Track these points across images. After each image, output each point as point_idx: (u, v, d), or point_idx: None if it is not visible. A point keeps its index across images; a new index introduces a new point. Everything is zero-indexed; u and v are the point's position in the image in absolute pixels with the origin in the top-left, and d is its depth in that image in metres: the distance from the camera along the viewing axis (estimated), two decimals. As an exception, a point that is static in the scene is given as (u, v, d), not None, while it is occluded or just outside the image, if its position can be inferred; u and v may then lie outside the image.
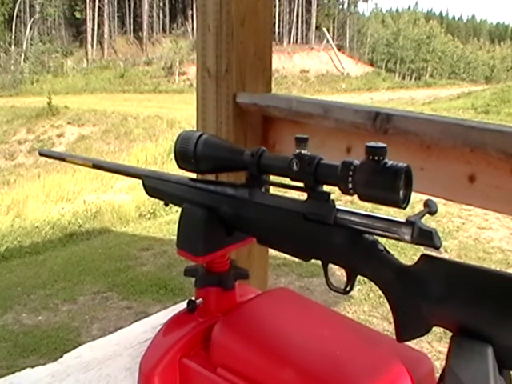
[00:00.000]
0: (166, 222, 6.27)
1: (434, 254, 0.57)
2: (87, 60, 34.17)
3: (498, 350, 0.53)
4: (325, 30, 41.24)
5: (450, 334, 0.57)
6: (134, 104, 20.90)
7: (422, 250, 0.58)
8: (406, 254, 4.22)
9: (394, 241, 0.60)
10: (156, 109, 19.33)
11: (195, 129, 1.73)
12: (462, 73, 44.78)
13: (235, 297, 0.83)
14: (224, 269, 0.81)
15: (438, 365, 2.39)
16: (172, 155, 0.85)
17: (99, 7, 35.18)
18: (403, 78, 41.82)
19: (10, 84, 28.08)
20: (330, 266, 0.66)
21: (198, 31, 1.66)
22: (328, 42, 40.31)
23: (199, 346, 0.78)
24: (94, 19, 34.92)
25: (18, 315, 4.07)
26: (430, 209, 0.58)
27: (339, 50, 40.54)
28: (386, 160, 0.56)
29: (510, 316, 0.52)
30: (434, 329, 0.57)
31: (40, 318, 4.02)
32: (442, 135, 1.13)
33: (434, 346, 3.21)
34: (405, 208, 0.57)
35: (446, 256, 4.06)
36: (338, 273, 0.93)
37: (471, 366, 0.54)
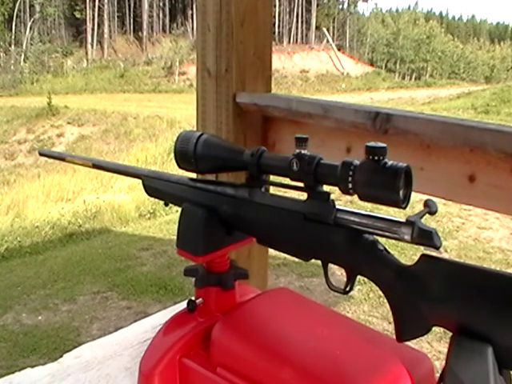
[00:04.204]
0: (165, 221, 6.27)
1: (434, 253, 0.57)
2: (87, 60, 34.18)
3: (498, 349, 0.53)
4: (325, 29, 41.26)
5: (450, 333, 0.57)
6: (134, 104, 20.89)
7: (422, 250, 0.58)
8: (406, 253, 4.22)
9: (393, 241, 0.60)
10: (156, 109, 19.33)
11: (195, 129, 1.73)
12: (462, 73, 44.81)
13: (235, 297, 0.83)
14: (224, 269, 0.81)
15: (438, 365, 2.39)
16: (172, 155, 0.85)
17: (99, 7, 35.19)
18: (403, 77, 41.85)
19: (10, 84, 28.08)
20: (330, 265, 0.66)
21: (198, 31, 1.66)
22: (328, 41, 40.32)
23: (199, 346, 0.78)
24: (94, 19, 34.93)
25: (17, 315, 4.07)
26: (429, 209, 0.58)
27: (339, 49, 40.57)
28: (386, 160, 0.56)
29: (509, 316, 0.52)
30: (434, 329, 0.57)
31: (40, 317, 4.02)
32: (442, 135, 1.13)
33: (434, 345, 3.20)
34: (405, 208, 0.57)
35: (446, 256, 4.07)
36: (338, 273, 0.93)
37: (471, 366, 0.54)
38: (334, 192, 0.64)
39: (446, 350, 0.57)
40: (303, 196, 0.67)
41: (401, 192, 0.55)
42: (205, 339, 0.77)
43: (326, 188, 0.65)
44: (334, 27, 44.27)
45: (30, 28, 33.06)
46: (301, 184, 0.66)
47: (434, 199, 0.61)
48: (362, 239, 0.62)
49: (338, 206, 0.64)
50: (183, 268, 0.83)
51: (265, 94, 1.64)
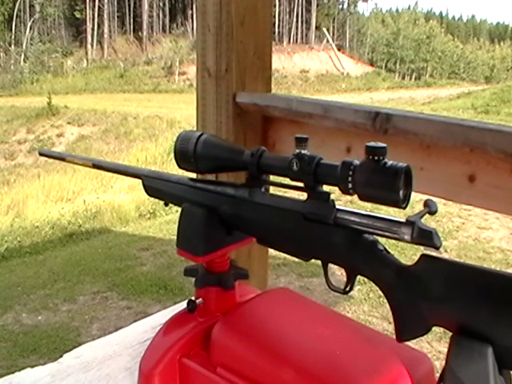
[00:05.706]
0: (165, 221, 6.28)
1: (434, 253, 0.57)
2: (87, 60, 34.18)
3: (497, 349, 0.53)
4: (325, 29, 41.26)
5: (450, 333, 0.57)
6: (134, 104, 20.89)
7: (422, 250, 0.58)
8: (406, 254, 4.22)
9: (393, 241, 0.60)
10: (156, 109, 19.32)
11: (195, 129, 1.73)
12: (462, 73, 44.82)
13: (235, 297, 0.83)
14: (224, 269, 0.81)
15: (438, 365, 2.39)
16: (172, 155, 0.85)
17: (99, 7, 35.19)
18: (403, 77, 41.86)
19: (10, 84, 28.08)
20: (330, 265, 0.66)
21: (198, 31, 1.66)
22: (328, 41, 40.33)
23: (199, 346, 0.78)
24: (93, 19, 34.92)
25: (17, 315, 4.07)
26: (429, 209, 0.57)
27: (339, 49, 40.57)
28: (386, 160, 0.56)
29: (509, 316, 0.52)
30: (434, 329, 0.57)
31: (40, 317, 4.02)
32: (442, 135, 1.13)
33: (434, 345, 3.21)
34: (405, 208, 0.57)
35: (446, 256, 4.06)
36: (338, 273, 0.93)
37: (471, 366, 0.54)
38: (334, 192, 0.64)
39: (446, 350, 0.57)
40: (303, 196, 0.67)
41: (401, 192, 0.55)
42: (205, 339, 0.77)
43: (325, 188, 0.65)
44: (333, 27, 44.28)
45: (30, 28, 33.06)
46: (301, 184, 0.66)
47: (434, 199, 0.61)
48: (362, 239, 0.62)
49: (337, 206, 0.64)
50: (183, 268, 0.83)
51: (265, 94, 1.64)
